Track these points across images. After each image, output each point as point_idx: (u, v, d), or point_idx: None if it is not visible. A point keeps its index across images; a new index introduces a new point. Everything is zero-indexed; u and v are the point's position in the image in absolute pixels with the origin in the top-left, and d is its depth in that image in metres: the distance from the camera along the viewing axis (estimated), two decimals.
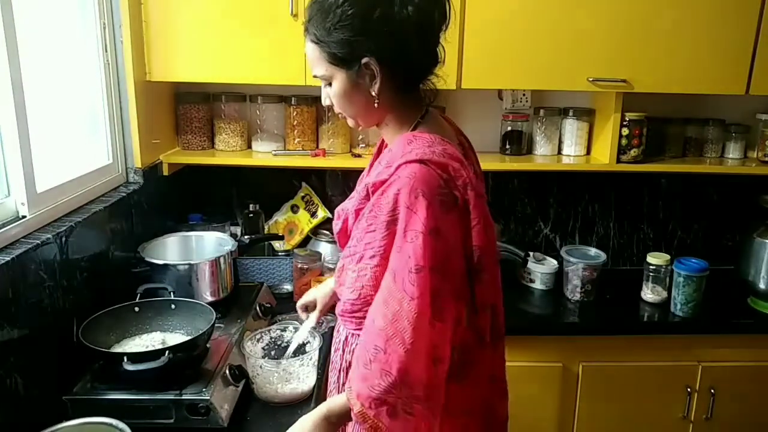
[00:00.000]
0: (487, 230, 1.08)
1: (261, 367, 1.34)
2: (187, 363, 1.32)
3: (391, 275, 1.03)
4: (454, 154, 1.08)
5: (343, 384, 1.21)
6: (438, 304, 1.01)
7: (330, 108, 1.20)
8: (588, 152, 2.19)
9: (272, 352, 1.46)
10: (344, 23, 1.05)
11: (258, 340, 1.45)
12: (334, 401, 1.10)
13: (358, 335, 1.12)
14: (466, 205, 1.06)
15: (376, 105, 1.11)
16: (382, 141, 1.29)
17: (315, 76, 1.15)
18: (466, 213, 1.06)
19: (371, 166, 1.29)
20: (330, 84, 1.13)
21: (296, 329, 1.47)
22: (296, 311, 1.52)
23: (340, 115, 1.19)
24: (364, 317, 1.11)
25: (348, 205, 1.18)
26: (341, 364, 1.23)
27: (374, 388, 1.00)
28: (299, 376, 1.37)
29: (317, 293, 1.48)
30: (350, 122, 1.19)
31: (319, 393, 1.42)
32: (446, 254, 1.02)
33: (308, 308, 1.49)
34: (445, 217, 1.02)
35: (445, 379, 1.04)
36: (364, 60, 1.07)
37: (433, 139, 1.09)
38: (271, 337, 1.48)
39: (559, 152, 2.21)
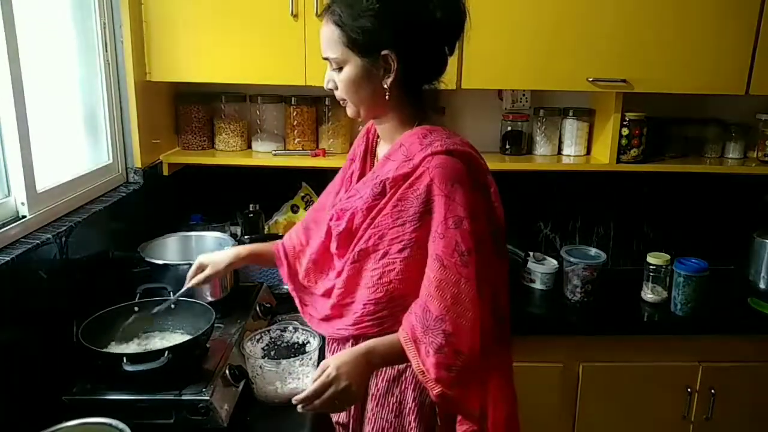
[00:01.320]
0: (503, 210, 1.18)
1: (261, 367, 1.34)
2: (187, 363, 1.32)
3: (438, 262, 1.07)
4: (470, 144, 1.16)
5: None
6: (483, 279, 1.08)
7: (330, 107, 1.20)
8: (588, 152, 2.19)
9: (272, 353, 1.45)
10: (372, 13, 1.06)
11: (258, 341, 1.44)
12: (380, 342, 1.13)
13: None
14: (486, 189, 1.15)
15: (386, 97, 1.13)
16: (368, 131, 1.30)
17: (325, 58, 1.15)
18: (488, 196, 1.15)
19: (362, 159, 1.28)
20: (340, 69, 1.13)
21: (296, 329, 1.47)
22: (296, 311, 1.51)
23: (341, 102, 1.19)
24: (389, 315, 1.14)
25: (355, 204, 1.17)
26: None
27: (452, 369, 1.07)
28: (299, 376, 1.37)
29: (211, 260, 1.43)
30: (350, 110, 1.19)
31: None
32: (481, 235, 1.09)
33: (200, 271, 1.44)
34: (477, 201, 1.09)
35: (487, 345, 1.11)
36: (384, 52, 1.09)
37: (448, 131, 1.14)
38: (270, 338, 1.47)
39: (559, 152, 2.21)
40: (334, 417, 1.29)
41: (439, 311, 1.06)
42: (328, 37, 1.12)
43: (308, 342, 1.44)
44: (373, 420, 1.21)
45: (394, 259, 1.12)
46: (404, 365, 1.17)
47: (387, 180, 1.11)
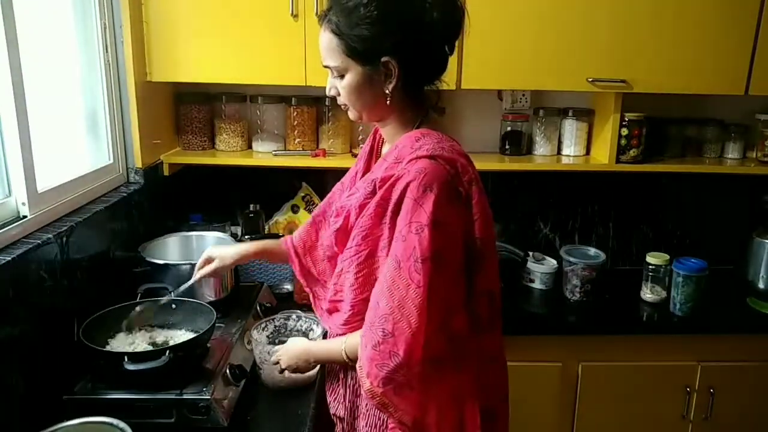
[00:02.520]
0: (487, 223, 1.14)
1: (269, 353, 1.36)
2: (188, 362, 1.32)
3: (395, 262, 1.06)
4: (461, 151, 1.14)
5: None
6: (435, 291, 1.05)
7: (333, 101, 1.21)
8: (587, 152, 2.20)
9: (276, 341, 1.47)
10: (370, 21, 1.06)
11: (263, 329, 1.47)
12: (319, 347, 1.28)
13: None
14: (468, 200, 1.11)
15: (388, 102, 1.13)
16: (375, 131, 1.30)
17: (326, 66, 1.15)
18: (469, 207, 1.11)
19: (367, 158, 1.30)
20: (342, 76, 1.13)
21: (299, 317, 1.50)
22: (297, 310, 1.54)
23: (343, 107, 1.19)
24: None
25: (351, 202, 1.18)
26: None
27: (383, 368, 1.05)
28: None
29: (218, 253, 1.46)
30: (353, 115, 1.19)
31: (322, 378, 1.42)
32: (445, 246, 1.06)
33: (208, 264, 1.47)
34: (448, 210, 1.06)
35: (428, 361, 1.08)
36: (384, 59, 1.08)
37: (441, 136, 1.13)
38: (275, 326, 1.50)
39: (559, 152, 2.21)
40: (332, 410, 1.31)
41: (384, 310, 1.06)
42: (326, 45, 1.12)
43: (312, 329, 1.48)
44: (366, 415, 1.23)
45: (378, 259, 1.12)
46: None
47: (377, 180, 1.12)
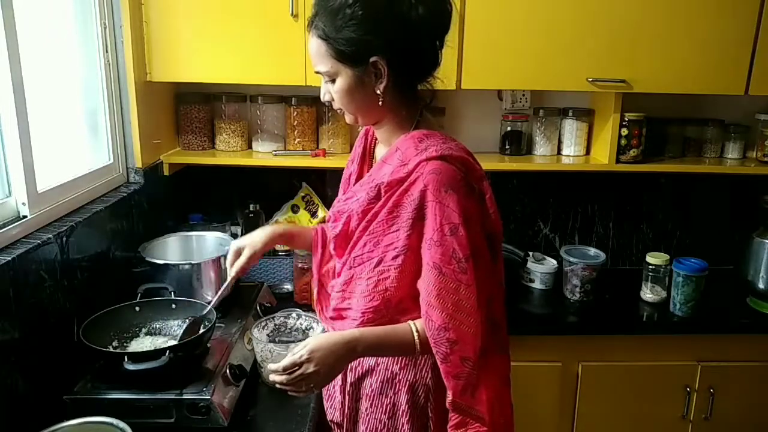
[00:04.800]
0: (499, 217, 1.17)
1: (271, 351, 1.34)
2: (188, 362, 1.32)
3: (436, 270, 1.06)
4: (466, 149, 1.15)
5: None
6: (480, 286, 1.08)
7: (329, 106, 1.20)
8: (587, 152, 2.20)
9: (276, 339, 1.47)
10: (355, 22, 1.05)
11: (263, 327, 1.46)
12: (369, 331, 1.12)
13: None
14: (482, 196, 1.13)
15: (380, 103, 1.12)
16: (366, 132, 1.29)
17: (317, 72, 1.14)
18: (483, 202, 1.13)
19: (360, 161, 1.28)
20: (333, 80, 1.12)
21: (299, 316, 1.49)
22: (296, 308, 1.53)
23: (339, 111, 1.18)
24: (390, 321, 1.14)
25: (352, 207, 1.16)
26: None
27: (461, 377, 1.07)
28: None
29: (246, 242, 1.37)
30: (348, 118, 1.19)
31: None
32: (476, 241, 1.09)
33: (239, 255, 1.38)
34: (471, 207, 1.08)
35: (483, 350, 1.10)
36: (373, 59, 1.07)
37: (445, 136, 1.13)
38: (275, 324, 1.49)
39: (559, 152, 2.21)
40: (329, 415, 1.30)
41: (441, 320, 1.06)
42: (315, 51, 1.11)
43: (312, 327, 1.47)
44: (366, 420, 1.21)
45: (389, 267, 1.11)
46: (398, 367, 1.18)
47: (382, 184, 1.10)
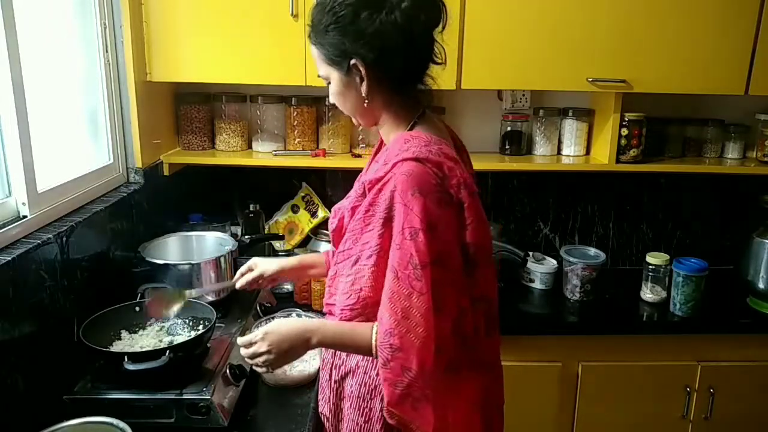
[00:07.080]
0: (480, 227, 1.11)
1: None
2: (188, 362, 1.32)
3: (393, 273, 1.04)
4: (449, 154, 1.10)
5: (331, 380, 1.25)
6: (439, 297, 1.03)
7: (331, 108, 1.22)
8: (587, 152, 2.20)
9: None
10: (336, 26, 1.08)
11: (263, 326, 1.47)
12: (329, 326, 1.16)
13: None
14: (460, 204, 1.08)
15: (365, 105, 1.14)
16: (382, 140, 1.30)
17: (319, 76, 1.19)
18: (461, 211, 1.08)
19: (371, 160, 1.31)
20: (330, 84, 1.17)
21: (299, 316, 1.50)
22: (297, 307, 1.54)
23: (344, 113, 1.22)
24: (366, 321, 1.12)
25: (345, 204, 1.18)
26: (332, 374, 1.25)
27: (398, 386, 1.04)
28: (306, 358, 1.39)
29: (261, 262, 1.48)
30: (354, 120, 1.23)
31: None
32: (444, 249, 1.04)
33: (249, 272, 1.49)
34: (440, 213, 1.04)
35: (444, 368, 1.06)
36: (352, 62, 1.10)
37: (430, 138, 1.11)
38: None
39: (559, 152, 2.21)
40: (320, 407, 1.30)
41: (388, 324, 1.03)
42: (314, 56, 1.16)
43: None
44: (347, 419, 1.22)
45: (364, 266, 1.10)
46: (376, 373, 1.16)
47: (366, 182, 1.11)
